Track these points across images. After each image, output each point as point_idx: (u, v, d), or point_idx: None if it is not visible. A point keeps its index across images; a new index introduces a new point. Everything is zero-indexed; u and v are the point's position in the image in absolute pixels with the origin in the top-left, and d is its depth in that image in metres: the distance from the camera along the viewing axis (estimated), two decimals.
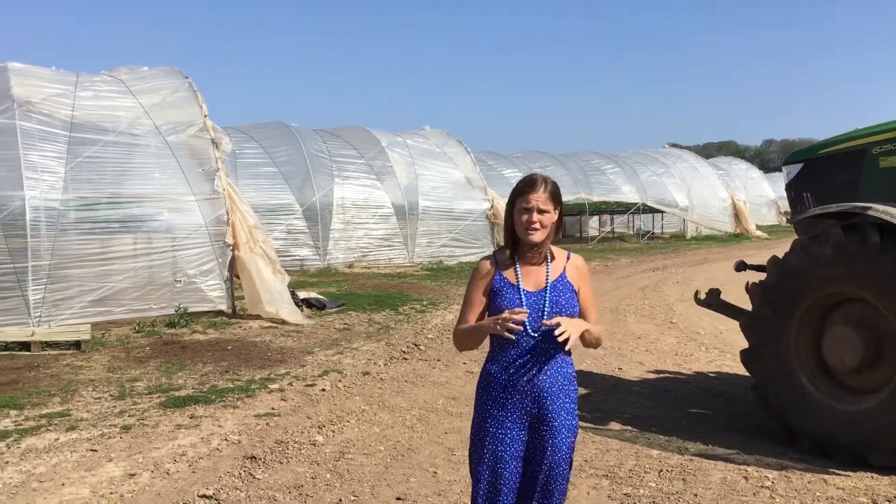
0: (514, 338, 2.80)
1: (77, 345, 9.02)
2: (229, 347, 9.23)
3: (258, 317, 11.04)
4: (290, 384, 7.51)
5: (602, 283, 16.29)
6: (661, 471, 5.07)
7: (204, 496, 4.68)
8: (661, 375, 8.00)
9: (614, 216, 33.81)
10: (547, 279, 2.91)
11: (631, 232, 33.69)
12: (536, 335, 2.87)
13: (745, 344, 5.84)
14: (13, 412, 6.46)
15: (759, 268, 6.44)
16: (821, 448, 5.27)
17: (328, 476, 5.02)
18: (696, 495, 4.66)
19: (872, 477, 4.88)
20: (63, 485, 4.88)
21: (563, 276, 2.94)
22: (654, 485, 4.84)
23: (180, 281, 10.85)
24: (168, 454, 5.45)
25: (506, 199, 3.05)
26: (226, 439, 5.80)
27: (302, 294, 12.44)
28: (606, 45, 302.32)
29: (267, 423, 6.21)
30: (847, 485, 4.78)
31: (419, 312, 12.15)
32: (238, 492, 4.76)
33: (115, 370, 8.07)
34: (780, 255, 5.62)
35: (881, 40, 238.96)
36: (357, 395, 7.13)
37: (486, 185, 21.62)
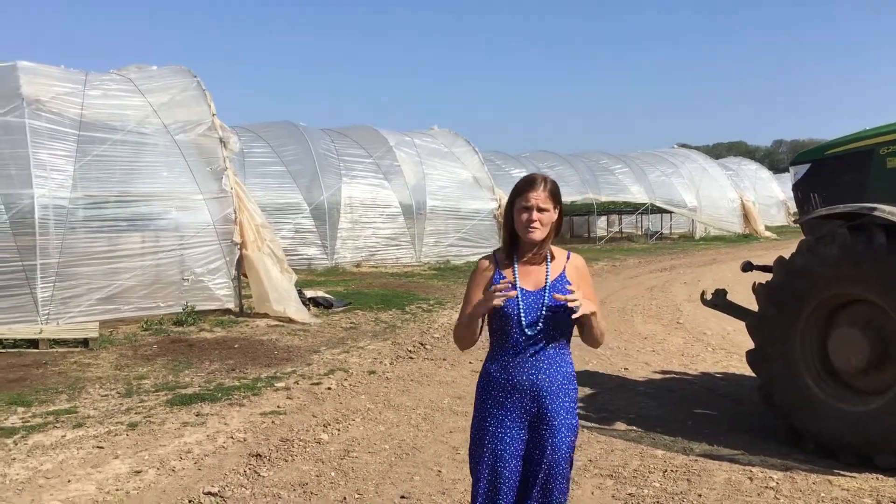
0: (504, 303, 2.80)
1: (85, 342, 9.07)
2: (236, 346, 9.26)
3: (265, 315, 11.08)
4: (297, 383, 7.54)
5: (609, 284, 16.27)
6: (666, 471, 5.06)
7: (209, 493, 4.70)
8: (667, 376, 7.99)
9: (622, 216, 33.77)
10: (546, 279, 2.91)
11: (639, 232, 33.66)
12: (536, 335, 2.87)
13: (752, 345, 5.83)
14: (21, 409, 6.51)
15: (765, 268, 6.42)
16: (826, 449, 5.26)
17: (333, 474, 5.04)
18: (700, 495, 4.65)
19: (877, 478, 4.86)
20: (69, 481, 4.91)
21: (562, 275, 2.94)
22: (658, 485, 4.84)
23: (188, 279, 10.90)
24: (174, 451, 5.48)
25: None
26: (231, 437, 5.82)
27: (309, 293, 12.49)
28: (607, 46, 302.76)
29: (272, 422, 6.23)
30: (852, 486, 4.76)
31: (426, 312, 12.17)
32: (243, 489, 4.78)
33: (123, 368, 8.11)
34: (787, 256, 5.60)
35: (892, 40, 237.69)
36: (363, 394, 7.15)
37: (494, 185, 21.64)
